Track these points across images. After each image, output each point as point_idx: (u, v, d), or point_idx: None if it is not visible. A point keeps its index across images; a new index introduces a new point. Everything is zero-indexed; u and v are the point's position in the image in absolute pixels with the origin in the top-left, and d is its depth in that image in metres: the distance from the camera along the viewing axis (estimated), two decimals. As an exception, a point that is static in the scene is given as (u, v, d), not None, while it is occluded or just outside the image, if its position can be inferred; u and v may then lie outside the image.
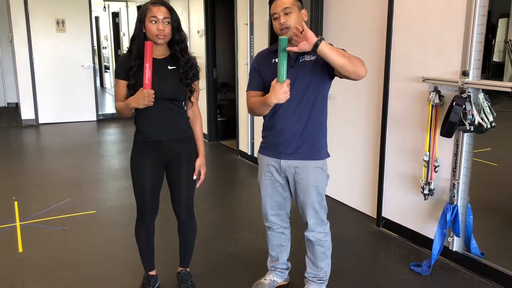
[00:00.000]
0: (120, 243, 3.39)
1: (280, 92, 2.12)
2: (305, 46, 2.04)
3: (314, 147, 2.36)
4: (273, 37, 4.78)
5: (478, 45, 2.72)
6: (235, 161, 5.79)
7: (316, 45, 2.02)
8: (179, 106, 2.46)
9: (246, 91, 2.42)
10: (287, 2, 2.22)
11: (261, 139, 2.50)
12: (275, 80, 2.15)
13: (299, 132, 2.32)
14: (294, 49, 2.07)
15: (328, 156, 2.43)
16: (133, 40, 2.37)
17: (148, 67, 2.22)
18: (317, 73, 2.25)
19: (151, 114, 2.38)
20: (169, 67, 2.38)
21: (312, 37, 2.01)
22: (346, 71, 2.09)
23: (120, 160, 5.82)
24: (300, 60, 2.28)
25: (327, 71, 2.24)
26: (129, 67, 2.35)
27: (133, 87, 2.35)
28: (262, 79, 2.36)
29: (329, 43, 2.08)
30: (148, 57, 2.22)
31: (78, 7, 8.12)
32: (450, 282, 2.82)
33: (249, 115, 5.52)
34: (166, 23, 2.29)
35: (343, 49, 2.17)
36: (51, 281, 2.87)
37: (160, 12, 2.27)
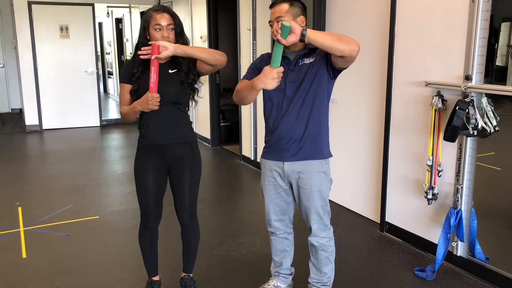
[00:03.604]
0: (124, 248, 3.39)
1: (267, 76, 2.07)
2: (292, 38, 2.00)
3: (316, 146, 2.36)
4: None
5: (481, 49, 2.72)
6: (238, 166, 5.79)
7: (303, 34, 2.00)
8: (182, 110, 2.47)
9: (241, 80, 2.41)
10: (281, 11, 2.25)
11: (263, 145, 2.50)
12: (268, 68, 2.10)
13: (300, 134, 2.32)
14: (283, 42, 2.03)
15: (331, 155, 2.43)
16: (137, 47, 2.38)
17: (153, 70, 2.22)
18: (317, 74, 2.26)
19: (154, 118, 2.39)
20: (170, 71, 2.39)
21: (298, 28, 2.00)
22: (338, 50, 2.04)
23: (123, 165, 5.83)
24: (300, 64, 2.29)
25: (327, 71, 2.27)
26: (132, 73, 2.37)
27: (135, 93, 2.37)
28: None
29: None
30: (153, 60, 2.22)
31: (81, 13, 8.17)
32: (454, 287, 2.81)
33: (252, 120, 5.54)
34: (170, 29, 2.31)
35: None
36: (54, 286, 2.88)
37: (163, 19, 2.29)
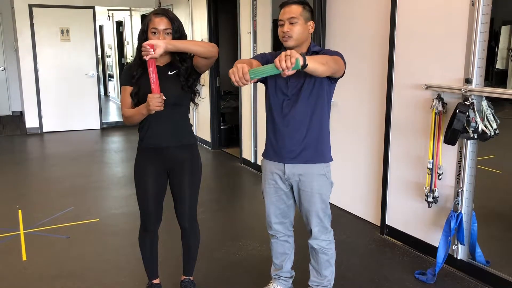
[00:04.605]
0: (124, 251, 3.39)
1: (238, 66, 1.88)
2: (289, 61, 1.84)
3: (317, 150, 2.37)
4: (276, 46, 4.79)
5: (481, 52, 2.73)
6: (238, 169, 5.79)
7: (304, 66, 1.92)
8: (182, 113, 2.47)
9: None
10: (294, 12, 2.24)
11: (264, 147, 2.50)
12: (247, 66, 1.91)
13: (302, 137, 2.33)
14: (285, 73, 1.88)
15: (331, 160, 2.43)
16: (137, 50, 2.38)
17: (151, 71, 2.20)
18: (318, 77, 2.26)
19: (154, 120, 2.38)
20: (169, 73, 2.39)
21: (302, 60, 1.89)
22: (330, 74, 2.14)
23: (124, 168, 5.83)
24: None
25: (326, 76, 2.26)
26: (132, 75, 2.37)
27: (136, 96, 2.36)
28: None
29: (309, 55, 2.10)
30: (149, 61, 2.19)
31: (82, 16, 8.18)
32: (455, 291, 2.81)
33: (252, 123, 5.54)
34: (167, 33, 2.30)
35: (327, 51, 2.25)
36: (54, 289, 2.88)
37: (161, 23, 2.28)
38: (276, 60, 1.83)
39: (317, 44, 3.94)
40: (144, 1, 8.66)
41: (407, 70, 3.27)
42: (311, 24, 2.30)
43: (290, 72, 1.87)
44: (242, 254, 3.32)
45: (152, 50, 2.14)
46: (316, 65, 2.01)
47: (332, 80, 2.30)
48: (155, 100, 2.21)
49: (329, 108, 2.40)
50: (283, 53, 1.84)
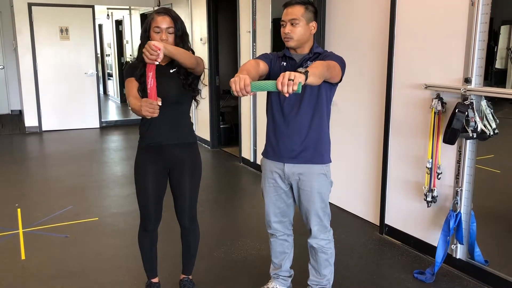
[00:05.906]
0: (123, 250, 3.39)
1: (237, 81, 1.83)
2: (291, 87, 1.80)
3: (317, 151, 2.37)
4: (275, 45, 4.79)
5: (480, 52, 2.73)
6: (238, 168, 5.79)
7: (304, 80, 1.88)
8: (183, 111, 2.47)
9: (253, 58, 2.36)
10: (296, 14, 2.25)
11: (263, 146, 2.50)
12: (249, 78, 1.86)
13: (302, 138, 2.33)
14: (286, 95, 1.84)
15: (330, 161, 2.44)
16: (140, 49, 2.38)
17: (151, 76, 2.15)
18: None
19: (155, 118, 2.37)
20: (170, 71, 2.39)
21: (300, 76, 1.82)
22: (318, 84, 2.10)
23: (123, 167, 5.83)
24: (304, 66, 2.29)
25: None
26: (136, 73, 2.35)
27: (143, 92, 2.34)
28: (268, 66, 2.32)
29: (309, 66, 2.03)
30: (149, 66, 2.14)
31: (81, 15, 8.17)
32: (454, 290, 2.81)
33: (252, 122, 5.54)
34: (169, 32, 2.30)
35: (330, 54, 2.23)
36: (53, 288, 2.88)
37: (164, 22, 2.29)
38: (278, 82, 1.78)
39: (317, 43, 3.93)
40: (143, 0, 8.65)
41: (406, 70, 3.27)
42: (313, 25, 2.30)
43: (291, 91, 1.80)
44: (241, 253, 3.32)
45: (160, 53, 2.06)
46: (312, 79, 1.93)
47: (332, 83, 2.30)
48: (148, 106, 2.12)
49: (330, 110, 2.40)
50: (286, 75, 1.78)
